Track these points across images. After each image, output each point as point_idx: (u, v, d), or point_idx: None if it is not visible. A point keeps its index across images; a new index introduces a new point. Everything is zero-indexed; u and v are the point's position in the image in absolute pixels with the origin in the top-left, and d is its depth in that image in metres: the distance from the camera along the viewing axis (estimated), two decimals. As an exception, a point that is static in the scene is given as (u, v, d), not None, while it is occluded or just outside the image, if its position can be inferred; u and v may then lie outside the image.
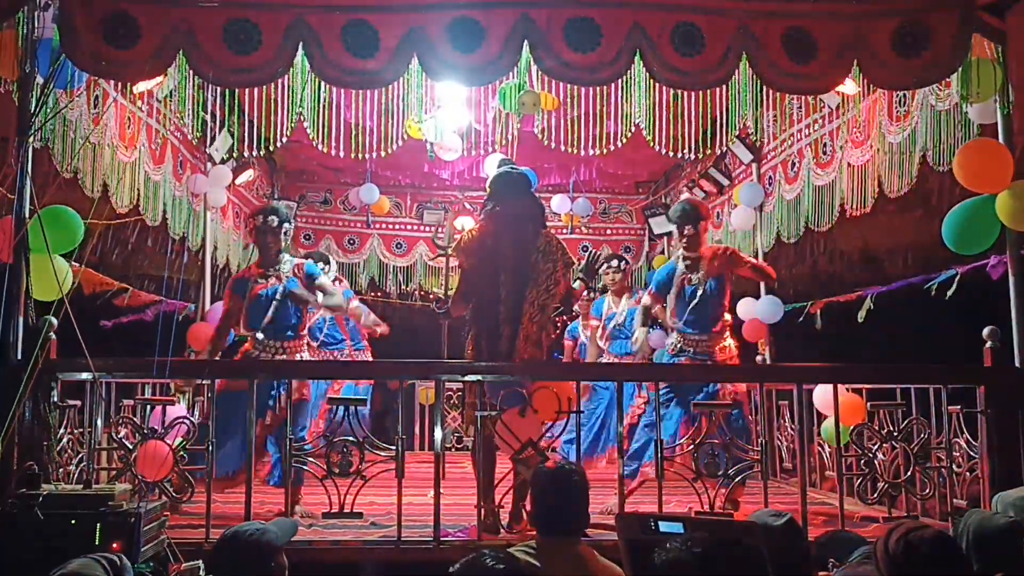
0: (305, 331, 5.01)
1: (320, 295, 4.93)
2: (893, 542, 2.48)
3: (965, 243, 4.25)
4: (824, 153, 5.85)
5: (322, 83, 4.12)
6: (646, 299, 5.43)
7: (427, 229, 8.86)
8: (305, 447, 4.14)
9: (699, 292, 5.04)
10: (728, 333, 5.21)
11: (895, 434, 4.12)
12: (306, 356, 4.99)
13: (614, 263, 6.73)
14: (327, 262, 6.65)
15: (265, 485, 5.04)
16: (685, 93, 4.51)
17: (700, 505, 3.98)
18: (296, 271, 4.90)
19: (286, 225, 4.94)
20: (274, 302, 4.77)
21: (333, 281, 6.66)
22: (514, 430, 3.93)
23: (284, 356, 4.79)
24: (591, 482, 3.01)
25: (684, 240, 5.09)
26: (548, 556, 2.73)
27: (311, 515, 4.34)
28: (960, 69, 4.07)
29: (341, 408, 3.99)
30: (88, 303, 5.82)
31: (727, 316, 5.23)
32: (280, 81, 4.13)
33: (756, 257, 6.49)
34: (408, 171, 8.69)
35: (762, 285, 6.54)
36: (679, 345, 5.13)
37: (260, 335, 4.77)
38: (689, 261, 5.13)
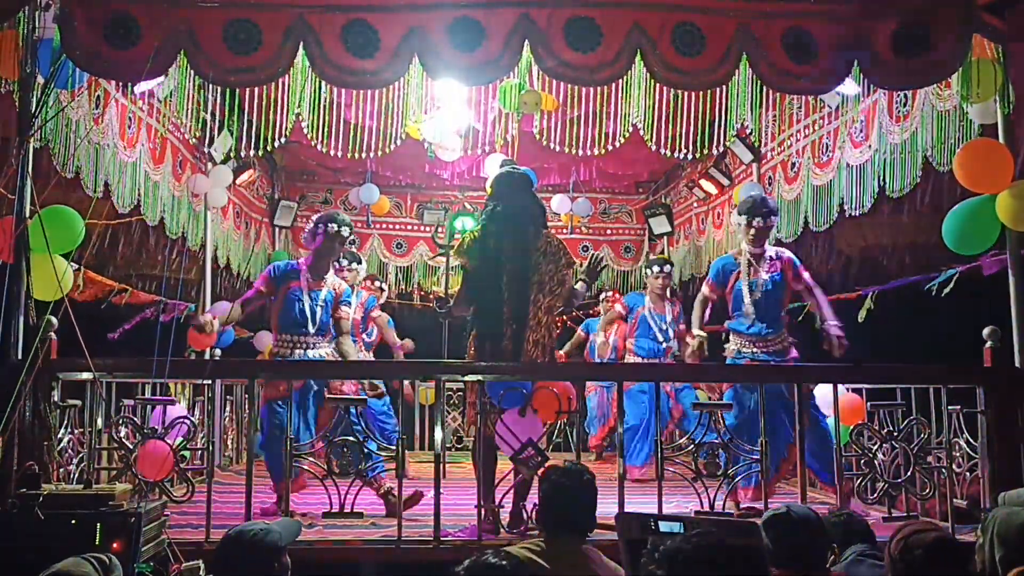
0: (330, 337, 5.02)
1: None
2: (894, 544, 2.51)
3: (965, 243, 4.25)
4: (824, 153, 5.85)
5: (322, 83, 4.13)
6: (705, 290, 5.12)
7: (427, 229, 8.87)
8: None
9: (768, 286, 4.86)
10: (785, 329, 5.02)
11: (895, 434, 4.13)
12: (328, 350, 4.97)
13: (655, 268, 6.82)
14: (360, 262, 6.60)
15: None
16: (685, 93, 4.51)
17: (700, 505, 3.98)
18: (335, 288, 4.98)
19: (351, 237, 5.05)
20: (320, 306, 4.85)
21: (364, 280, 6.74)
22: (514, 430, 3.94)
23: (310, 350, 4.85)
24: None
25: (752, 232, 4.87)
26: (555, 556, 2.72)
27: (311, 515, 4.35)
28: (960, 69, 4.07)
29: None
30: (89, 305, 5.82)
31: (785, 317, 5.05)
32: (280, 81, 4.13)
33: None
34: (408, 171, 8.69)
35: None
36: (737, 347, 4.96)
37: (287, 333, 4.83)
38: (752, 257, 4.93)
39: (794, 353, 4.93)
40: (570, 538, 2.83)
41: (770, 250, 5.00)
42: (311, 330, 4.82)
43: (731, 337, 5.06)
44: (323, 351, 4.87)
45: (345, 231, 4.93)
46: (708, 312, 5.17)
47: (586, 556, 2.79)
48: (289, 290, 4.84)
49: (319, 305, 4.85)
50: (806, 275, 5.01)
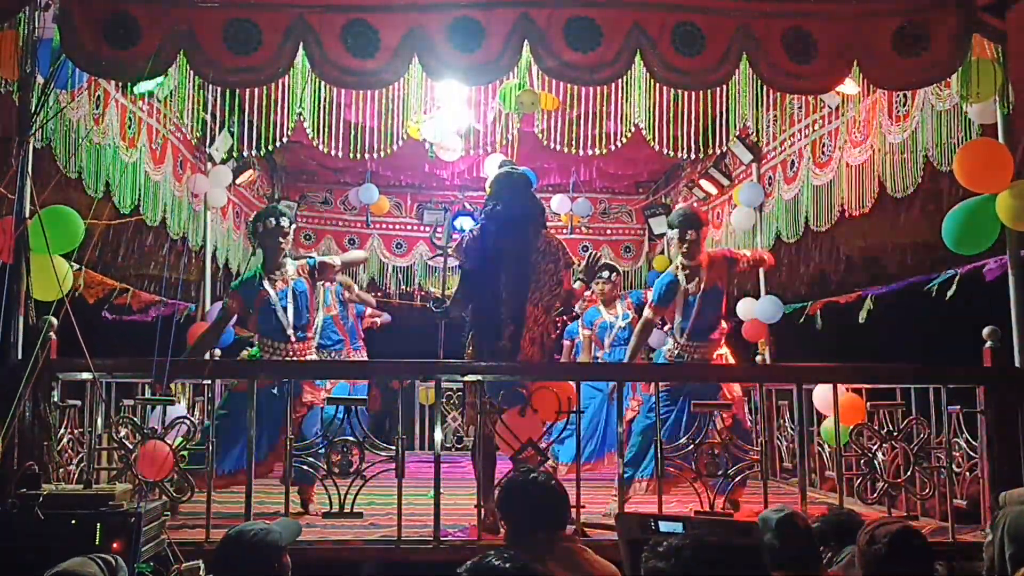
0: (313, 332, 4.98)
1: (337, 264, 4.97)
2: (861, 537, 2.54)
3: (965, 243, 4.25)
4: (823, 153, 5.85)
5: (322, 83, 4.12)
6: (648, 313, 5.16)
7: (427, 229, 8.84)
8: (311, 448, 4.11)
9: (698, 304, 4.95)
10: (723, 340, 5.15)
11: (895, 434, 4.12)
12: (313, 358, 4.97)
13: (604, 274, 6.75)
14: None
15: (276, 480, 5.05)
16: (685, 93, 4.51)
17: (700, 505, 3.98)
18: (300, 271, 4.88)
19: (293, 226, 4.92)
20: (283, 306, 4.74)
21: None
22: (514, 430, 3.94)
23: (293, 358, 4.78)
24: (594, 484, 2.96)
25: (684, 246, 4.96)
26: (544, 555, 2.70)
27: (312, 513, 4.35)
28: (960, 69, 4.07)
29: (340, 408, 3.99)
30: (89, 305, 5.82)
31: (724, 324, 5.16)
32: (280, 81, 4.13)
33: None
34: (408, 171, 8.69)
35: (762, 283, 6.57)
36: (676, 351, 5.07)
37: (268, 339, 4.78)
38: (688, 271, 5.00)
39: (723, 350, 5.12)
40: (554, 534, 2.82)
41: (705, 260, 5.06)
42: (291, 337, 4.74)
43: (668, 340, 5.18)
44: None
45: (284, 222, 4.81)
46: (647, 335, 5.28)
47: (576, 553, 2.78)
48: (262, 301, 4.76)
49: (289, 302, 4.74)
50: (747, 256, 5.25)
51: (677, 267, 5.08)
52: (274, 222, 4.80)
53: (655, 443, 4.03)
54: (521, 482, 2.88)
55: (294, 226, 4.95)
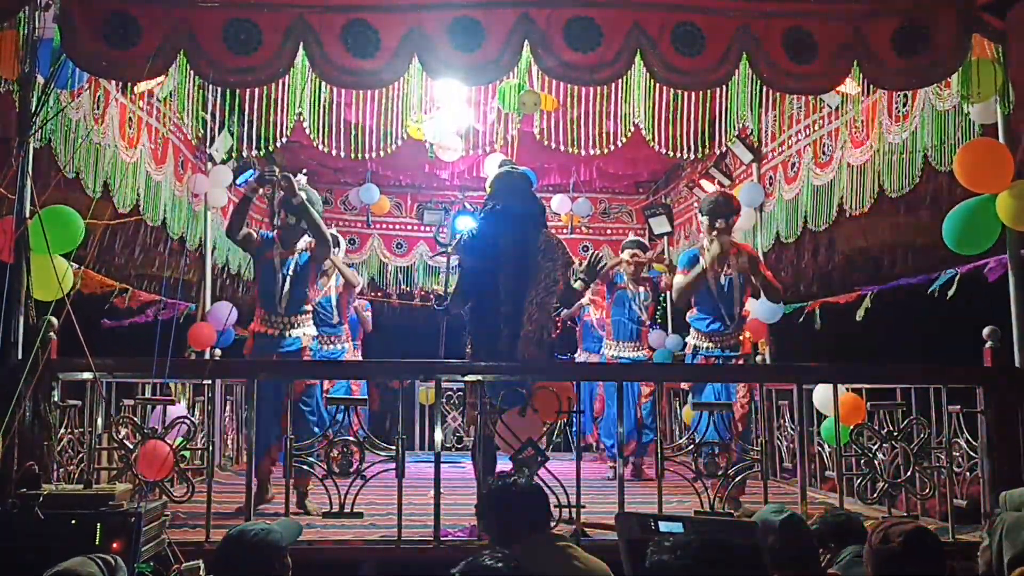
0: (311, 306, 5.12)
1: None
2: (874, 536, 2.54)
3: (965, 243, 4.25)
4: (824, 153, 5.85)
5: (322, 83, 4.12)
6: (679, 279, 5.09)
7: (427, 229, 8.86)
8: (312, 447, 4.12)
9: (728, 287, 4.94)
10: (744, 329, 5.15)
11: (895, 434, 4.13)
12: (311, 331, 5.05)
13: (640, 252, 6.90)
14: (337, 244, 6.59)
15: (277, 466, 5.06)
16: (685, 93, 4.51)
17: (700, 505, 3.98)
18: (310, 246, 5.02)
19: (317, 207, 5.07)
20: (287, 277, 4.90)
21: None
22: (514, 430, 3.94)
23: (294, 330, 4.90)
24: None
25: (714, 232, 4.92)
26: (535, 556, 2.70)
27: (312, 512, 4.35)
28: (960, 69, 4.08)
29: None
30: (89, 304, 5.82)
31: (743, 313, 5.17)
32: (280, 81, 4.13)
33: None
34: (408, 171, 8.69)
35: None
36: (695, 342, 5.04)
37: (264, 309, 4.91)
38: (716, 256, 4.96)
39: (747, 348, 5.09)
40: (542, 535, 2.82)
41: (733, 247, 5.04)
42: (281, 309, 4.88)
43: (691, 332, 5.15)
44: (297, 332, 4.92)
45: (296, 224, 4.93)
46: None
47: (565, 551, 2.78)
48: (265, 261, 4.93)
49: (290, 275, 4.89)
50: (767, 272, 5.14)
51: (705, 248, 5.06)
52: (293, 221, 4.94)
53: (656, 441, 4.03)
54: (501, 488, 2.90)
55: (319, 207, 5.07)
